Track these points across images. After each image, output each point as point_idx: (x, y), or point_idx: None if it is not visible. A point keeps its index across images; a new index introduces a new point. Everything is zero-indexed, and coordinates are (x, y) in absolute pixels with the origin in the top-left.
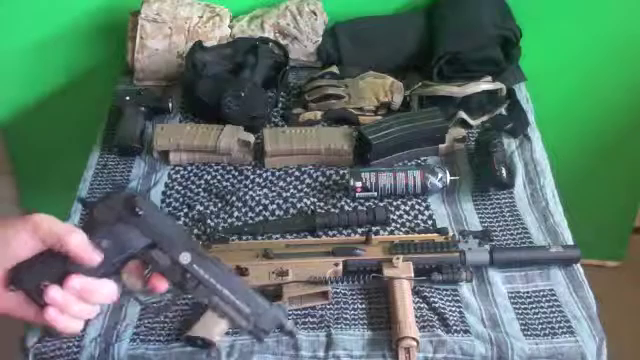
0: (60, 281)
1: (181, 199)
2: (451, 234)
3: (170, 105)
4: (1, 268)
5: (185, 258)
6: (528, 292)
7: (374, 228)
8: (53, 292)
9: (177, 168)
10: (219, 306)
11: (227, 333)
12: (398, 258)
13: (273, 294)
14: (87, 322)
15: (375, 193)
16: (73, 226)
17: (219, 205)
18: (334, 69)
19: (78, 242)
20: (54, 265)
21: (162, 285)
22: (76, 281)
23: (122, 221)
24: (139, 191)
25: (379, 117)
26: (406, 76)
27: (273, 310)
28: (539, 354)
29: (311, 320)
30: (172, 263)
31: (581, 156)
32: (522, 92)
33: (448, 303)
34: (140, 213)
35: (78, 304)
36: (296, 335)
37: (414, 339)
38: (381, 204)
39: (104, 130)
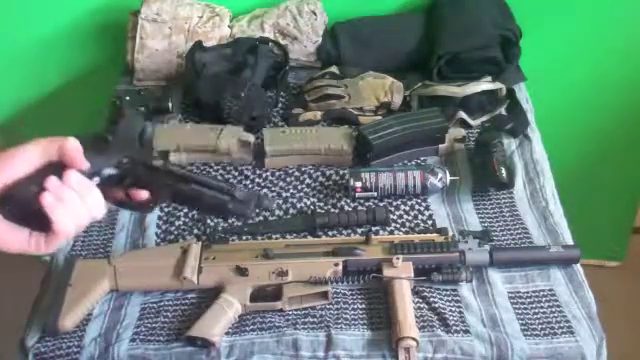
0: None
1: None
2: (451, 234)
3: (170, 105)
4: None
5: (158, 162)
6: (528, 292)
7: (374, 228)
8: (52, 180)
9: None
10: (198, 192)
11: (227, 333)
12: (398, 258)
13: (273, 294)
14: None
15: (375, 193)
16: None
17: None
18: (334, 69)
19: (75, 145)
20: (45, 175)
21: (141, 194)
22: (73, 174)
23: (93, 150)
24: None
25: (379, 117)
26: (406, 76)
27: (248, 190)
28: (539, 354)
29: (311, 320)
30: (146, 169)
31: (581, 156)
32: (522, 92)
33: (448, 303)
34: (110, 139)
35: (74, 197)
36: (272, 208)
37: (414, 339)
38: (381, 204)
39: (104, 130)
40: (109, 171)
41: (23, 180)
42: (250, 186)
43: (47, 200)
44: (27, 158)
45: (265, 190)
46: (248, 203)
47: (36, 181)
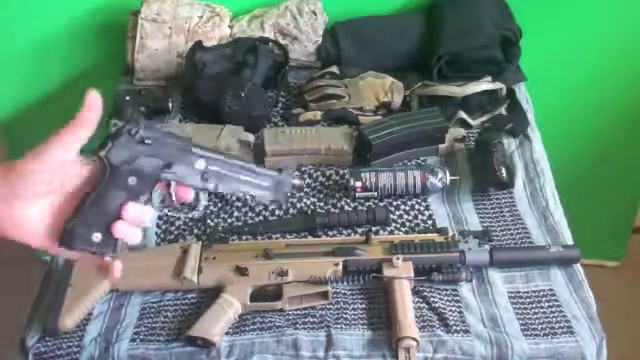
0: (107, 228)
1: None
2: (451, 234)
3: (170, 105)
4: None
5: (200, 164)
6: (528, 292)
7: (374, 228)
8: (120, 226)
9: None
10: (243, 191)
11: (227, 333)
12: (398, 258)
13: (273, 294)
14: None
15: (375, 193)
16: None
17: (219, 205)
18: (334, 69)
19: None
20: (96, 215)
21: (187, 194)
22: (131, 208)
23: (137, 154)
24: None
25: (379, 117)
26: (406, 76)
27: (282, 175)
28: (539, 354)
29: (311, 320)
30: (191, 171)
31: (581, 156)
32: (522, 92)
33: (448, 303)
34: (149, 142)
35: (135, 230)
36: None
37: (414, 339)
38: (381, 204)
39: (104, 130)
40: (154, 177)
41: (70, 229)
42: None
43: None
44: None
45: None
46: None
47: (86, 226)
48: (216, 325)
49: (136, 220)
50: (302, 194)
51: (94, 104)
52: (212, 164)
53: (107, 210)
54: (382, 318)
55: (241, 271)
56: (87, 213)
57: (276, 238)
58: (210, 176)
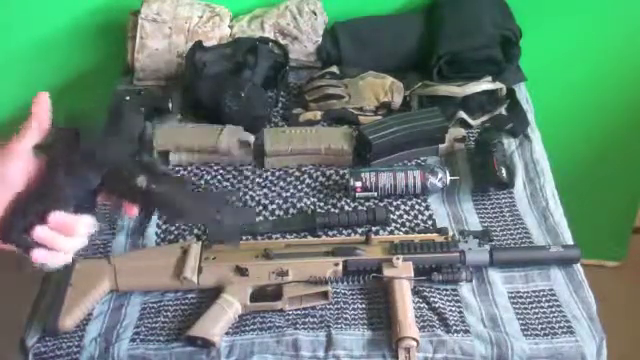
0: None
1: None
2: (451, 234)
3: (170, 105)
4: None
5: (141, 181)
6: (528, 292)
7: (374, 228)
8: (38, 231)
9: (177, 168)
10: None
11: (227, 333)
12: (398, 258)
13: (273, 294)
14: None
15: (375, 193)
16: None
17: None
18: (334, 69)
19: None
20: (29, 215)
21: (132, 210)
22: (55, 215)
23: (76, 162)
24: None
25: (379, 117)
26: (406, 76)
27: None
28: (539, 354)
29: (311, 320)
30: (130, 188)
31: (581, 156)
32: (522, 92)
33: (448, 303)
34: (85, 153)
35: (63, 238)
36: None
37: (414, 339)
38: (381, 204)
39: (104, 130)
40: (92, 188)
41: (6, 222)
42: (250, 186)
43: (38, 257)
44: (23, 168)
45: (265, 190)
46: (233, 233)
47: (19, 224)
48: (216, 325)
49: (64, 229)
50: (302, 194)
51: (42, 109)
52: (156, 184)
53: (32, 209)
54: (382, 318)
55: (241, 271)
56: (19, 207)
57: (276, 238)
58: (152, 200)
